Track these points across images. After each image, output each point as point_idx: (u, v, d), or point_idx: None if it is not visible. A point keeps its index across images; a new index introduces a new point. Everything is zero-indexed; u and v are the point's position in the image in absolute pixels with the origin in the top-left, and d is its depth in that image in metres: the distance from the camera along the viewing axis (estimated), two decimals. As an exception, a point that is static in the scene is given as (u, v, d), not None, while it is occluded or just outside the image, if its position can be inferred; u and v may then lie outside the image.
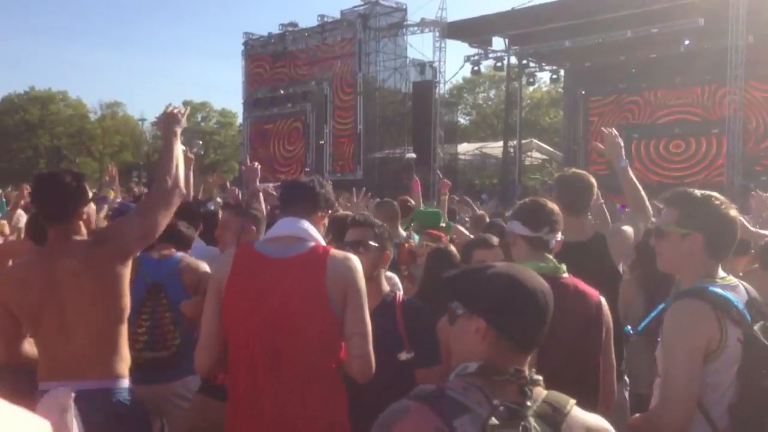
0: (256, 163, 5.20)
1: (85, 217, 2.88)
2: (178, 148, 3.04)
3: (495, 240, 3.71)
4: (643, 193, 3.78)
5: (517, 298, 1.58)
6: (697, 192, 2.50)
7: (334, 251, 2.59)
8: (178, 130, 3.07)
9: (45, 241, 2.94)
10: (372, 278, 2.93)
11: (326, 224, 2.84)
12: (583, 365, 2.56)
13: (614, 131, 3.97)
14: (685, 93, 22.15)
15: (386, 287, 3.07)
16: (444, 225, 6.52)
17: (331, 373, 2.53)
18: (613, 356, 2.70)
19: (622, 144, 3.91)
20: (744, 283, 2.50)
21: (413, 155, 14.49)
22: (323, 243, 2.63)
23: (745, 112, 18.52)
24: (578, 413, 1.54)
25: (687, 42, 19.72)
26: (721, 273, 2.46)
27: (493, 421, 1.42)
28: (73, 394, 2.54)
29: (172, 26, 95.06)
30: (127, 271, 2.82)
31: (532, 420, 1.45)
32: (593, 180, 3.69)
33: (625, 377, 3.83)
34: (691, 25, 18.54)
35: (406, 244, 5.26)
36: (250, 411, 2.52)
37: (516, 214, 2.83)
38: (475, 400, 1.47)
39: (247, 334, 2.51)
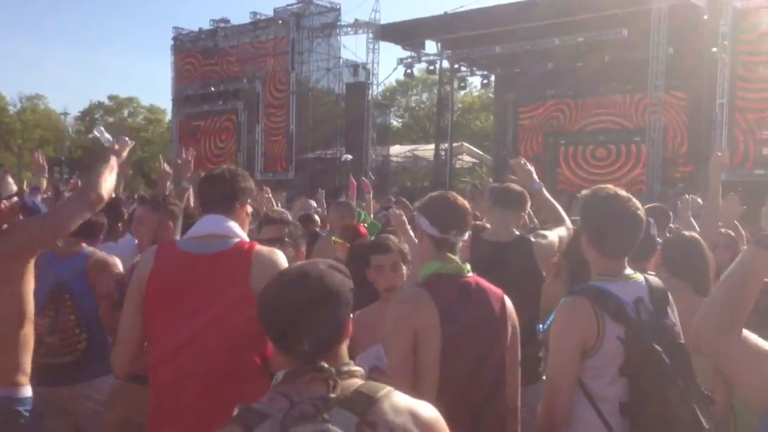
0: (191, 155, 5.10)
1: None
2: (114, 163, 3.00)
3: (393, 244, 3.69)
4: (559, 207, 3.98)
5: (275, 312, 1.59)
6: (589, 191, 2.60)
7: (260, 246, 2.58)
8: (123, 155, 3.12)
9: None
10: None
11: (249, 214, 2.80)
12: (490, 360, 2.57)
13: (521, 159, 4.13)
14: (609, 101, 22.91)
15: None
16: (367, 225, 6.55)
17: (255, 368, 2.51)
18: (518, 354, 2.69)
19: (533, 169, 4.07)
20: (651, 278, 2.59)
21: (349, 156, 14.49)
22: (246, 239, 2.61)
23: (664, 121, 19.27)
24: (397, 399, 1.54)
25: (611, 52, 20.39)
26: (626, 270, 2.55)
27: (289, 419, 1.44)
28: None
29: (99, 18, 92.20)
30: (24, 272, 2.66)
31: (335, 412, 1.46)
32: (527, 194, 3.93)
33: (544, 377, 3.93)
34: (614, 36, 19.19)
35: (341, 246, 5.25)
36: (172, 408, 2.47)
37: (424, 209, 2.71)
38: (277, 407, 1.49)
39: (170, 330, 2.47)
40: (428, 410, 1.56)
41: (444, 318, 2.48)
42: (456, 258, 2.63)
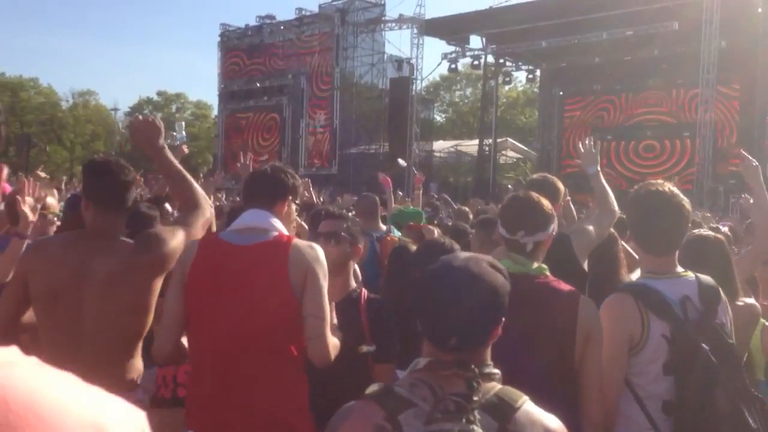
0: (249, 159, 5.20)
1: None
2: (176, 162, 2.80)
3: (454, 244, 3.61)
4: (612, 196, 3.86)
5: (429, 301, 1.56)
6: (636, 188, 2.58)
7: (298, 240, 2.64)
8: (161, 142, 2.77)
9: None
10: (343, 271, 2.99)
11: (293, 211, 2.86)
12: (551, 365, 2.46)
13: (593, 141, 4.03)
14: (658, 95, 22.47)
15: (353, 283, 3.10)
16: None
17: (294, 359, 2.56)
18: (599, 364, 2.45)
19: (598, 155, 3.99)
20: (703, 276, 2.54)
21: (404, 163, 14.47)
22: (286, 233, 2.66)
23: (715, 115, 18.81)
24: (531, 409, 1.52)
25: (661, 45, 19.97)
26: (675, 268, 2.50)
27: (437, 414, 1.43)
28: None
29: (148, 16, 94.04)
30: (159, 286, 2.70)
31: (477, 413, 1.44)
32: (560, 185, 3.79)
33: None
34: (665, 29, 18.78)
35: (389, 237, 5.31)
36: (214, 398, 2.52)
37: (499, 212, 2.76)
38: (420, 395, 1.49)
39: (212, 320, 2.54)
40: (557, 424, 1.56)
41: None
42: (524, 258, 2.55)
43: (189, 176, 2.77)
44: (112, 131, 51.63)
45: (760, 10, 17.81)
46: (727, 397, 2.28)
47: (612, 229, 4.04)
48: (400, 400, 1.48)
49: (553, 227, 2.67)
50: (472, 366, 1.52)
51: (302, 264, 2.51)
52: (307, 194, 6.73)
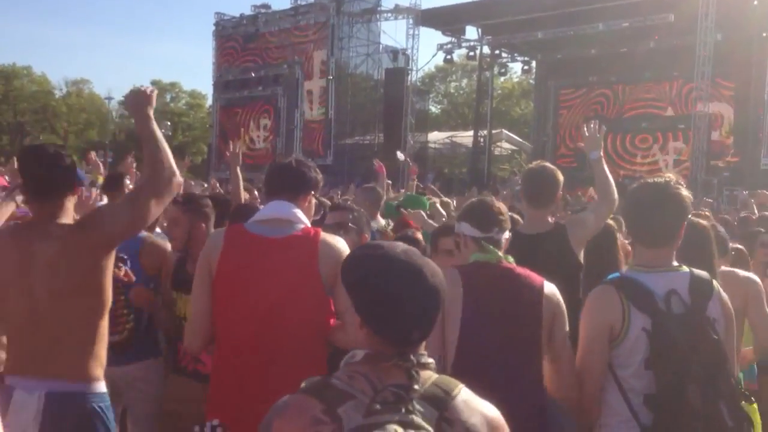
0: (239, 147, 5.19)
1: (74, 197, 2.69)
2: (158, 131, 2.73)
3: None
4: (613, 186, 3.81)
5: (383, 300, 1.54)
6: (639, 182, 2.60)
7: (324, 234, 2.66)
8: (151, 112, 2.72)
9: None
10: None
11: (313, 205, 2.87)
12: (517, 351, 2.58)
13: (597, 125, 3.98)
14: (653, 88, 22.47)
15: None
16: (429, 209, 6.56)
17: (319, 350, 2.59)
18: (565, 346, 2.65)
19: (602, 140, 3.94)
20: (698, 271, 2.52)
21: (402, 156, 14.43)
22: (310, 226, 2.68)
23: (710, 108, 18.83)
24: (468, 397, 1.53)
25: (657, 38, 19.95)
26: (668, 261, 2.49)
27: (376, 406, 1.42)
28: (41, 398, 2.42)
29: (142, 4, 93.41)
30: (110, 263, 2.64)
31: (416, 403, 1.44)
32: (560, 175, 3.71)
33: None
34: (661, 21, 18.75)
35: (389, 231, 5.34)
36: (240, 389, 2.54)
37: (465, 216, 2.84)
38: (359, 387, 1.48)
39: (241, 312, 2.55)
40: (495, 412, 1.57)
41: (467, 293, 2.58)
42: (494, 248, 2.72)
43: (164, 145, 2.67)
44: (106, 120, 51.37)
45: (756, 3, 17.81)
46: (703, 395, 2.26)
47: (611, 222, 4.02)
48: (338, 393, 1.47)
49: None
50: (411, 356, 1.51)
51: (332, 258, 2.53)
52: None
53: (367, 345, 1.56)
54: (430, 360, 1.57)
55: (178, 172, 2.69)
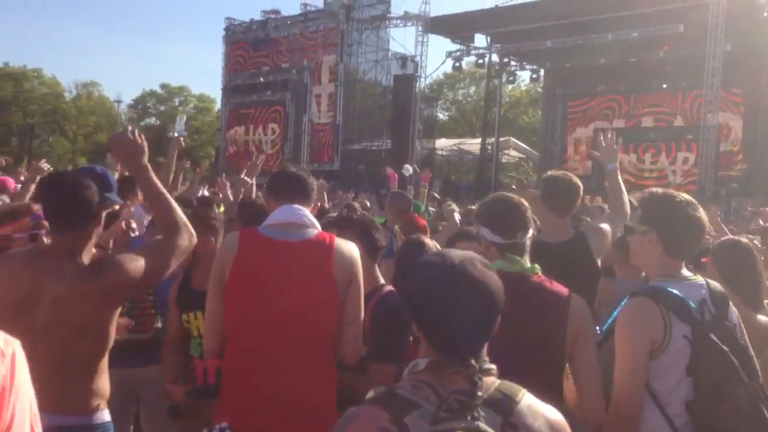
0: (260, 160, 5.29)
1: (99, 224, 2.56)
2: (158, 183, 2.60)
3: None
4: (626, 197, 3.83)
5: (428, 309, 1.56)
6: (660, 191, 2.60)
7: (339, 240, 2.67)
8: (144, 160, 2.56)
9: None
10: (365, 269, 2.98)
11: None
12: (541, 365, 2.47)
13: (615, 136, 3.99)
14: (662, 98, 22.43)
15: (381, 279, 3.09)
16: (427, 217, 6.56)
17: (329, 355, 2.61)
18: (591, 365, 2.49)
19: (618, 151, 3.96)
20: (712, 282, 2.56)
21: (410, 169, 14.39)
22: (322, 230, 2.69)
23: (719, 119, 18.78)
24: (532, 402, 1.55)
25: (666, 48, 19.92)
26: (685, 272, 2.52)
27: (441, 414, 1.43)
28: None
29: (152, 7, 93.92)
30: (117, 311, 2.60)
31: (480, 410, 1.46)
32: (580, 183, 3.72)
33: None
34: (670, 31, 18.72)
35: (399, 238, 5.36)
36: (250, 391, 2.55)
37: (484, 219, 2.63)
38: (423, 396, 1.49)
39: (256, 315, 2.56)
40: (558, 415, 1.58)
41: None
42: (520, 259, 2.55)
43: (171, 200, 2.60)
44: (115, 123, 51.53)
45: (766, 14, 17.77)
46: (749, 396, 2.30)
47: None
48: (404, 402, 1.48)
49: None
50: (472, 362, 1.52)
51: (346, 265, 2.57)
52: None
53: (429, 354, 1.57)
54: (492, 366, 1.57)
55: (189, 225, 2.62)
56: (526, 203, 2.67)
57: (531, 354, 2.46)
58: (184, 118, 4.56)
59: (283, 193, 2.75)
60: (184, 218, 2.61)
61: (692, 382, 2.36)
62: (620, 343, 2.44)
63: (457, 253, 1.63)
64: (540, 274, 2.60)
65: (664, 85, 22.14)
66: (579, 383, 2.50)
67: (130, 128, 2.59)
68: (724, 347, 2.33)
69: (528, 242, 2.60)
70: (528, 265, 2.58)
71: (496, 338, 2.41)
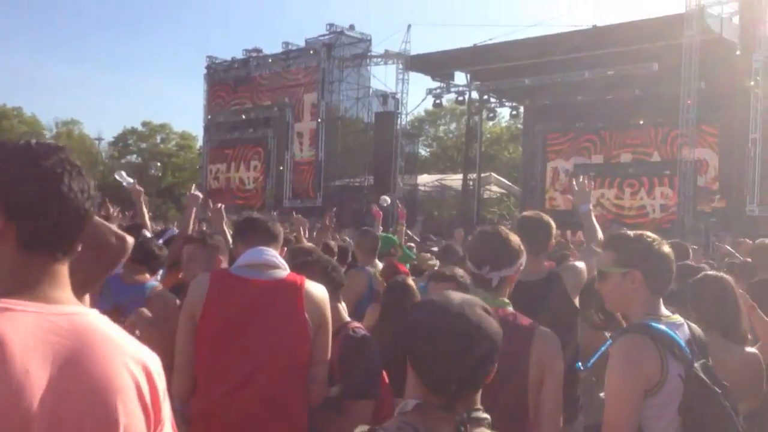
0: (220, 205, 5.25)
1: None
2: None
3: (454, 272, 3.52)
4: (601, 235, 3.90)
5: (422, 349, 1.55)
6: (630, 232, 2.62)
7: (309, 281, 2.69)
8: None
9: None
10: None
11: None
12: (508, 400, 2.48)
13: (587, 180, 4.09)
14: (639, 134, 22.83)
15: (346, 317, 3.08)
16: (400, 254, 6.55)
17: (303, 394, 2.59)
18: (555, 394, 2.53)
19: (591, 194, 4.06)
20: (689, 322, 2.59)
21: (388, 200, 14.48)
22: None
23: (695, 154, 19.12)
24: None
25: (642, 85, 20.35)
26: (665, 311, 2.55)
27: None
28: None
29: (133, 45, 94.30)
30: None
31: None
32: (553, 224, 3.78)
33: (580, 416, 3.86)
34: (645, 70, 19.15)
35: (377, 275, 5.35)
36: (221, 430, 2.53)
37: (468, 246, 2.82)
38: None
39: (230, 352, 2.55)
40: None
41: None
42: (485, 293, 2.55)
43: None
44: (96, 161, 51.36)
45: (738, 52, 18.24)
46: None
47: None
48: None
49: (521, 263, 2.70)
50: (461, 410, 1.51)
51: (317, 307, 2.59)
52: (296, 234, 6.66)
53: (418, 394, 1.56)
54: (485, 415, 1.56)
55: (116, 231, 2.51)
56: (513, 242, 2.67)
57: (492, 388, 2.48)
58: (122, 172, 4.71)
59: (251, 237, 2.79)
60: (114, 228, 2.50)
61: (682, 422, 2.37)
62: (615, 380, 2.42)
63: (458, 296, 1.63)
64: (508, 309, 2.60)
65: (641, 122, 22.56)
66: (539, 417, 2.51)
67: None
68: (716, 389, 2.35)
69: (497, 280, 2.60)
70: (496, 300, 2.58)
71: None
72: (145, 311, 3.37)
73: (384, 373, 2.97)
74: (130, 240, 2.60)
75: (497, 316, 2.47)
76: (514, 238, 2.69)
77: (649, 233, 2.60)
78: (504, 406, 2.43)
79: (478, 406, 1.58)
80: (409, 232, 12.36)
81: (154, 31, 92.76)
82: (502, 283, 2.62)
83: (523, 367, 2.48)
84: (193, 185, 5.65)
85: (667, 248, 2.53)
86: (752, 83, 17.36)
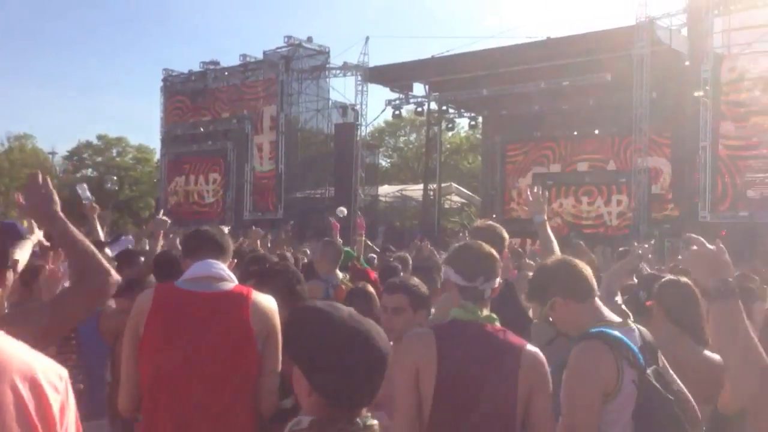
0: (164, 217, 5.22)
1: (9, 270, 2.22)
2: (73, 229, 2.33)
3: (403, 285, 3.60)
4: (555, 245, 4.00)
5: (333, 367, 1.52)
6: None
7: (256, 292, 2.67)
8: (54, 207, 2.30)
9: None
10: None
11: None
12: (489, 411, 2.51)
13: (542, 190, 4.18)
14: (595, 143, 23.28)
15: None
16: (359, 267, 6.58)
17: (250, 406, 2.57)
18: (546, 416, 2.53)
19: (545, 204, 4.14)
20: (641, 327, 2.67)
21: (345, 211, 14.48)
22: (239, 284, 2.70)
23: (648, 163, 19.57)
24: None
25: (596, 95, 20.79)
26: (614, 317, 2.62)
27: None
28: None
29: (88, 58, 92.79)
30: None
31: None
32: (505, 233, 3.84)
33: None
34: (599, 80, 19.57)
35: (343, 286, 5.37)
36: None
37: (451, 259, 2.73)
38: None
39: (173, 367, 2.53)
40: None
41: (442, 359, 2.49)
42: (477, 307, 2.60)
43: (88, 243, 2.32)
44: (50, 175, 50.24)
45: (687, 63, 18.74)
46: None
47: None
48: None
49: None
50: (357, 420, 1.54)
51: (265, 317, 2.57)
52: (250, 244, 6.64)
53: (314, 411, 1.55)
54: (374, 422, 1.58)
55: (112, 270, 2.32)
56: (495, 254, 2.73)
57: (479, 403, 2.48)
58: (84, 185, 4.67)
59: (199, 251, 2.77)
60: (102, 261, 2.31)
61: (635, 428, 2.42)
62: (574, 387, 2.46)
63: (343, 308, 1.63)
64: (497, 324, 2.62)
65: (596, 131, 23.03)
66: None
67: (40, 176, 2.36)
68: (669, 395, 2.40)
69: (489, 291, 2.64)
70: (485, 314, 2.61)
71: (448, 390, 2.46)
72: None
73: None
74: (116, 279, 2.55)
75: (483, 332, 2.52)
76: (494, 251, 2.75)
77: (549, 262, 2.75)
78: (494, 426, 2.49)
79: (367, 413, 1.59)
80: (369, 242, 12.39)
81: (109, 44, 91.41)
82: (490, 295, 2.66)
83: (512, 384, 2.50)
84: (161, 211, 5.59)
85: (576, 260, 2.67)
86: (701, 93, 17.84)
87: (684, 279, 3.57)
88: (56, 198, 2.34)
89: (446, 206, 31.10)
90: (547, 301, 2.63)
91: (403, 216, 34.92)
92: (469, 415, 2.48)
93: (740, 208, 17.59)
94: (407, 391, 2.48)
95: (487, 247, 2.72)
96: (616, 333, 2.50)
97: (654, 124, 19.23)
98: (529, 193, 4.15)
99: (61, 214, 2.31)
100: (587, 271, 2.66)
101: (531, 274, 3.91)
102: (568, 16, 51.13)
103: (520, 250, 10.78)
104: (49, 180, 2.40)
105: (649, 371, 2.45)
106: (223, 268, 2.70)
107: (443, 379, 2.48)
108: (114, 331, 3.59)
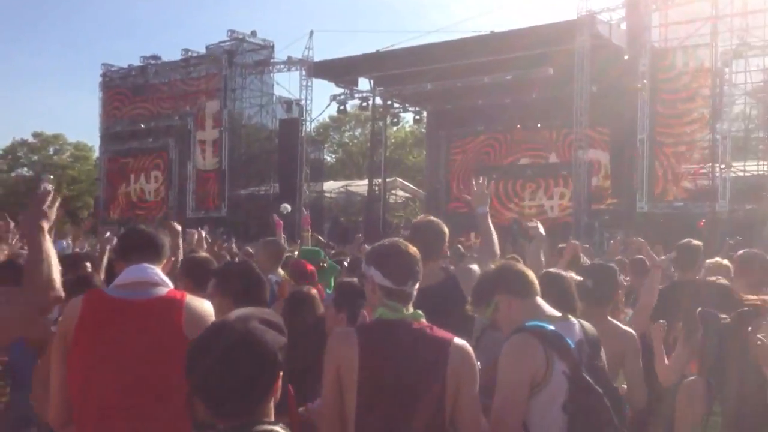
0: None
1: None
2: (49, 246, 2.52)
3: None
4: (495, 237, 4.03)
5: (200, 364, 1.55)
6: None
7: (190, 296, 2.60)
8: (46, 226, 2.51)
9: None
10: None
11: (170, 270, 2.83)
12: (416, 406, 2.48)
13: (485, 182, 4.17)
14: (537, 136, 23.69)
15: None
16: (326, 266, 6.48)
17: (184, 416, 2.47)
18: (474, 409, 2.52)
19: (489, 196, 4.16)
20: (584, 322, 2.70)
21: (289, 207, 14.34)
22: (173, 288, 2.61)
23: (589, 156, 20.00)
24: None
25: (538, 89, 21.13)
26: (553, 312, 2.66)
27: None
28: None
29: (21, 53, 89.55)
30: None
31: None
32: (445, 228, 3.82)
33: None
34: (541, 74, 19.90)
35: (286, 284, 5.31)
36: None
37: (375, 260, 2.63)
38: None
39: (103, 378, 2.43)
40: None
41: (364, 357, 2.47)
42: (402, 306, 2.57)
43: (52, 259, 2.48)
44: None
45: (626, 57, 19.20)
46: None
47: None
48: None
49: None
50: (251, 428, 1.51)
51: (201, 322, 2.46)
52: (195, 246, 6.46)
53: (200, 416, 1.57)
54: (274, 427, 1.55)
55: (58, 287, 2.47)
56: (418, 254, 2.70)
57: (408, 401, 2.47)
58: (51, 177, 4.51)
59: (132, 253, 2.67)
60: (55, 278, 2.48)
61: (566, 420, 2.45)
62: (502, 377, 2.52)
63: (239, 312, 1.63)
64: (422, 320, 2.60)
65: (539, 125, 23.43)
66: (460, 428, 2.51)
67: (53, 194, 2.52)
68: (599, 389, 2.44)
69: (415, 292, 2.62)
70: (410, 311, 2.58)
71: (370, 392, 2.42)
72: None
73: (289, 386, 2.91)
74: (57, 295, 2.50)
75: (411, 330, 2.49)
76: (414, 248, 2.71)
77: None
78: (422, 420, 2.46)
79: (268, 416, 1.58)
80: (321, 238, 12.31)
81: (44, 39, 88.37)
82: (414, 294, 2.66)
83: (440, 380, 2.48)
84: (108, 232, 5.50)
85: (510, 262, 2.86)
86: (639, 86, 18.31)
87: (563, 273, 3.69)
88: (52, 216, 2.52)
89: (391, 201, 31.17)
90: (492, 303, 2.71)
91: (348, 212, 34.89)
92: (395, 411, 2.46)
93: (676, 198, 18.13)
94: (330, 389, 2.51)
95: (413, 249, 2.68)
96: (551, 327, 2.55)
97: (594, 117, 19.65)
98: (473, 183, 4.15)
99: (47, 232, 2.48)
100: (529, 271, 2.78)
101: (472, 266, 3.92)
102: (512, 10, 51.85)
103: (458, 245, 10.90)
104: (57, 200, 2.57)
105: (585, 365, 2.49)
106: (157, 272, 2.61)
107: (365, 376, 2.46)
108: (43, 342, 3.43)
